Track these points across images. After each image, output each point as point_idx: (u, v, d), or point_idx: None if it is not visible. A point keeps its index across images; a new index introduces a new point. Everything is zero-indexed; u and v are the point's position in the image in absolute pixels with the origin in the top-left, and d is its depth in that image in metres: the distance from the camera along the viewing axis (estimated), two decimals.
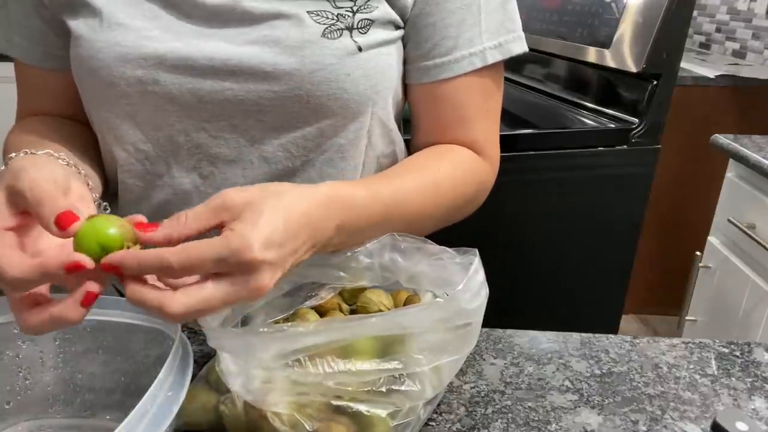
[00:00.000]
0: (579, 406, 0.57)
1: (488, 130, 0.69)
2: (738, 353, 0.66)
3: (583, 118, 1.49)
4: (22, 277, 0.41)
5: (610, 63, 1.45)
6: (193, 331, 0.65)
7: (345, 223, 0.52)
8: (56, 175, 0.48)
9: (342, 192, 0.53)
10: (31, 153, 0.54)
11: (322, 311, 0.57)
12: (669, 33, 1.35)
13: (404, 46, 0.66)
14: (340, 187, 0.54)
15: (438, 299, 0.49)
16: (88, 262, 0.41)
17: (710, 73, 2.14)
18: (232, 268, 0.42)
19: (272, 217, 0.44)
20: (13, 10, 0.65)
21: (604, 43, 1.47)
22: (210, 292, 0.41)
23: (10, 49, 0.67)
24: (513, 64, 1.87)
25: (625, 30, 1.42)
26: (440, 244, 0.57)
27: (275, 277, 0.44)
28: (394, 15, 0.62)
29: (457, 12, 0.63)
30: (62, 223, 0.43)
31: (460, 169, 0.66)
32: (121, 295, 0.73)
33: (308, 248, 0.48)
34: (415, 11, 0.63)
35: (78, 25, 0.60)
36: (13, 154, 0.53)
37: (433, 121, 0.68)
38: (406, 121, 0.74)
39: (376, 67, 0.62)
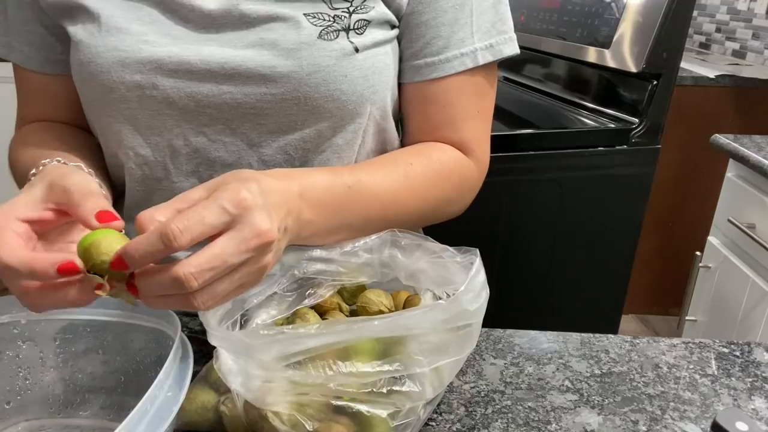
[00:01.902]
0: (579, 406, 0.57)
1: (478, 130, 0.69)
2: (738, 353, 0.66)
3: (583, 118, 1.49)
4: (10, 265, 0.42)
5: (610, 63, 1.45)
6: (193, 331, 0.65)
7: (306, 191, 0.53)
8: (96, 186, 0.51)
9: (298, 169, 0.56)
10: (64, 163, 0.55)
11: (321, 311, 0.57)
12: (669, 33, 1.35)
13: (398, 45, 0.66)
14: (293, 168, 0.56)
15: (440, 301, 0.49)
16: (79, 263, 0.42)
17: (710, 73, 2.14)
18: (231, 212, 0.43)
19: (246, 181, 0.46)
20: (13, 16, 0.65)
21: (604, 43, 1.47)
22: (220, 245, 0.42)
23: (10, 55, 0.67)
24: (513, 64, 1.87)
25: (625, 30, 1.42)
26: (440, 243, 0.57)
27: (272, 220, 0.45)
28: (390, 15, 0.63)
29: (449, 11, 0.64)
30: (103, 218, 0.44)
31: (437, 164, 0.65)
32: None
33: (285, 213, 0.49)
34: (408, 9, 0.64)
35: (77, 30, 0.60)
36: (47, 160, 0.55)
37: (423, 121, 0.68)
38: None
39: (373, 67, 0.62)
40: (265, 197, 0.46)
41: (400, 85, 0.68)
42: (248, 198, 0.44)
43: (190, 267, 0.41)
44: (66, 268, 0.42)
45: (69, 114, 0.69)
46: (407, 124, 0.70)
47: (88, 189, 0.46)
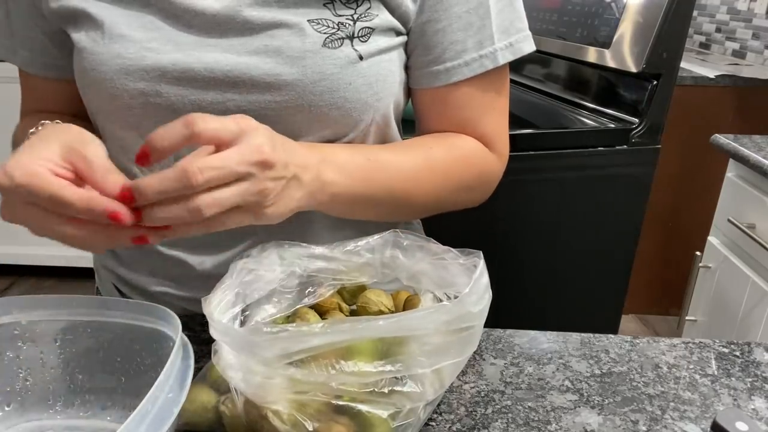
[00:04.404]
0: (579, 406, 0.57)
1: (497, 124, 0.69)
2: (738, 353, 0.66)
3: (583, 118, 1.49)
4: (66, 200, 0.44)
5: (610, 63, 1.45)
6: (193, 331, 0.65)
7: (327, 156, 0.56)
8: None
9: (318, 144, 0.59)
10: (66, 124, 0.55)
11: (321, 310, 0.57)
12: (669, 33, 1.35)
13: (410, 53, 0.66)
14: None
15: (444, 303, 0.49)
16: (126, 217, 0.44)
17: (710, 73, 2.14)
18: (233, 130, 0.46)
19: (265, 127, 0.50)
20: (15, 20, 0.65)
21: (604, 43, 1.47)
22: (223, 153, 0.45)
23: (14, 59, 0.67)
24: (513, 64, 1.86)
25: (625, 30, 1.42)
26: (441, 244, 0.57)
27: (275, 148, 0.48)
28: (394, 22, 0.62)
29: (464, 16, 0.64)
30: (125, 198, 0.45)
31: (457, 150, 0.66)
32: (122, 295, 0.73)
33: (301, 164, 0.52)
34: (423, 18, 0.64)
35: (80, 37, 0.60)
36: (47, 121, 0.55)
37: (441, 122, 0.68)
38: (405, 122, 0.74)
39: (378, 74, 0.62)
40: (280, 140, 0.50)
41: (415, 91, 0.69)
42: (258, 126, 0.48)
43: (196, 163, 0.43)
44: (116, 217, 0.44)
45: (70, 115, 0.69)
46: (423, 125, 0.70)
47: (109, 164, 0.47)
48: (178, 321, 0.49)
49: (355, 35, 0.60)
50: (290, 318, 0.55)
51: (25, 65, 0.67)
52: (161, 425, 0.41)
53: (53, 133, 0.49)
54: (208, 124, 0.45)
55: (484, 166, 0.69)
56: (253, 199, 0.47)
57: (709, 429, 0.54)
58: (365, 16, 0.60)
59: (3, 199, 0.47)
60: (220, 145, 0.46)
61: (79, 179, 0.47)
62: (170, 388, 0.43)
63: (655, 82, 1.38)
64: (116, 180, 0.46)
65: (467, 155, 0.67)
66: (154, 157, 0.45)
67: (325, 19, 0.59)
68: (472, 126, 0.68)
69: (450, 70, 0.65)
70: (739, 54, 2.54)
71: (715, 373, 0.62)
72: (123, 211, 0.44)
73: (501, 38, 0.65)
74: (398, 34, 0.64)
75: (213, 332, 0.47)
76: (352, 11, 0.60)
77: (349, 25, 0.60)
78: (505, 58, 0.65)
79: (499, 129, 0.70)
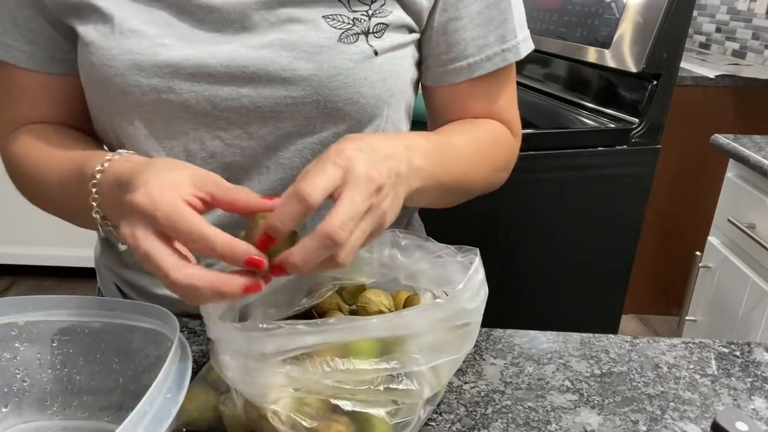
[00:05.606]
0: (579, 406, 0.57)
1: (513, 109, 0.72)
2: (738, 353, 0.66)
3: (583, 118, 1.49)
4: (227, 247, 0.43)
5: (610, 63, 1.45)
6: (192, 331, 0.65)
7: (411, 143, 0.55)
8: None
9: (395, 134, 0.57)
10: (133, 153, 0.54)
11: (321, 311, 0.56)
12: (669, 33, 1.35)
13: (430, 51, 0.67)
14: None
15: (438, 300, 0.49)
16: (265, 263, 0.44)
17: (710, 73, 2.14)
18: (340, 164, 0.46)
19: (347, 140, 0.49)
20: (12, 15, 0.63)
21: (604, 43, 1.47)
22: (348, 197, 0.45)
23: (8, 55, 0.64)
24: None
25: (625, 30, 1.42)
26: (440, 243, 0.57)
27: (376, 165, 0.47)
28: (408, 19, 0.63)
29: (484, 12, 0.65)
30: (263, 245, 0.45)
31: (493, 132, 0.69)
32: (124, 295, 0.73)
33: (395, 161, 0.50)
34: (445, 17, 0.64)
35: (87, 30, 0.59)
36: (124, 151, 0.54)
37: (462, 115, 0.69)
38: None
39: (392, 70, 0.62)
40: (368, 148, 0.48)
41: (436, 88, 0.69)
42: (348, 149, 0.46)
43: (335, 222, 0.43)
44: (255, 262, 0.44)
45: (69, 115, 0.67)
46: (441, 121, 0.71)
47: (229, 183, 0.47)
48: (176, 321, 0.49)
49: (370, 31, 0.60)
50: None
51: (26, 60, 0.63)
52: (159, 426, 0.41)
53: (170, 162, 0.48)
54: (317, 188, 0.44)
55: (509, 146, 0.71)
56: (376, 225, 0.47)
57: (709, 429, 0.54)
58: (380, 13, 0.61)
59: (133, 225, 0.44)
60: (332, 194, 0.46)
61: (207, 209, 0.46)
62: (168, 389, 0.43)
63: (655, 82, 1.38)
64: (248, 192, 0.46)
65: (498, 136, 0.69)
66: (279, 239, 0.44)
67: (340, 15, 0.59)
68: (493, 115, 0.69)
69: (472, 65, 0.66)
70: (739, 54, 2.54)
71: (715, 373, 0.62)
72: (263, 259, 0.44)
73: (520, 31, 0.67)
74: (411, 31, 0.64)
75: (209, 332, 0.46)
76: (367, 7, 0.60)
77: (364, 20, 0.60)
78: (525, 50, 0.68)
79: (516, 112, 0.72)
